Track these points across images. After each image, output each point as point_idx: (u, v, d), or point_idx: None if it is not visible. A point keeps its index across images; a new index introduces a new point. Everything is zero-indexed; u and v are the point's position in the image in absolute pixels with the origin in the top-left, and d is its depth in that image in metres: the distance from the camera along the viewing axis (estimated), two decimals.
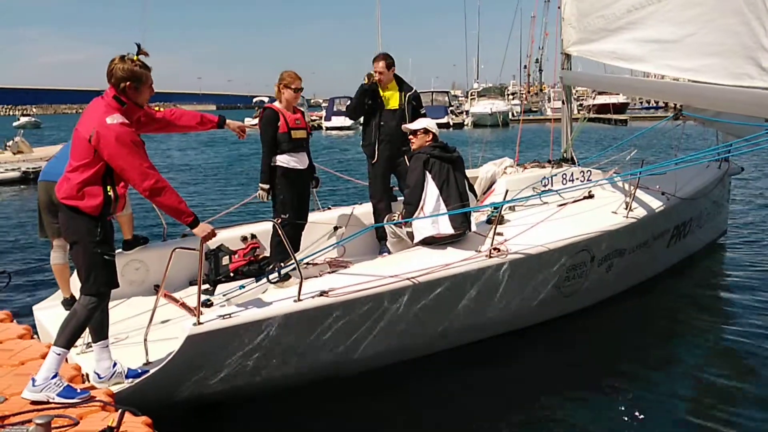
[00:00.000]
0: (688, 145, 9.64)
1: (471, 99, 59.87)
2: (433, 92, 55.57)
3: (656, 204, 6.81)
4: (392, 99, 6.60)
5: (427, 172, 5.58)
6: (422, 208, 5.57)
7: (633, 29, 6.78)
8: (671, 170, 6.85)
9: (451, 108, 53.90)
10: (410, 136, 5.98)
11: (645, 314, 6.84)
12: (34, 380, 3.74)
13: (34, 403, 3.68)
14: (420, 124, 5.95)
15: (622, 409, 4.97)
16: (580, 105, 62.67)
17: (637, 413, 4.88)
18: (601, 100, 52.17)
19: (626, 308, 6.85)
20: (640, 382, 5.39)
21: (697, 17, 5.97)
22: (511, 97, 67.31)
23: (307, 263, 5.59)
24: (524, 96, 72.88)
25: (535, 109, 63.06)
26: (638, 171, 6.41)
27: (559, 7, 7.67)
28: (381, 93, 6.63)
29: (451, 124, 50.44)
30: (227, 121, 4.85)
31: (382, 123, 6.56)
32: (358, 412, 4.92)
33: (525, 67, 76.76)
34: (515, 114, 54.55)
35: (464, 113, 57.03)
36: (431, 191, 5.56)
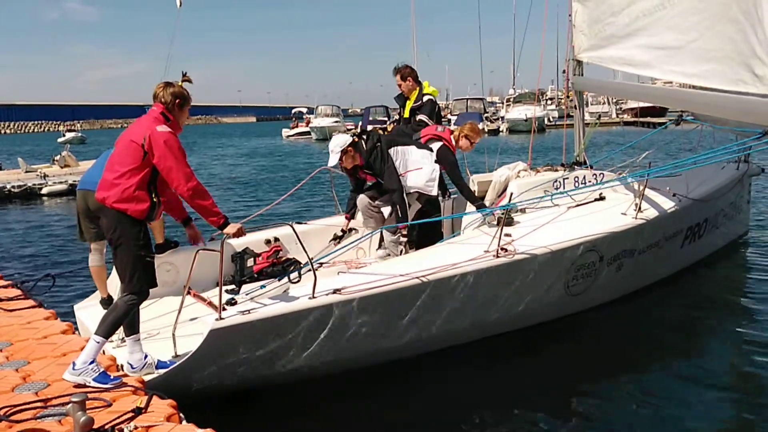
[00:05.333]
0: (702, 146, 9.72)
1: (507, 105, 59.80)
2: (468, 99, 55.67)
3: (667, 205, 6.99)
4: (407, 108, 7.01)
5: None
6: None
7: (641, 35, 6.97)
8: (681, 170, 7.00)
9: (486, 115, 53.90)
10: None
11: (658, 314, 6.96)
12: (74, 364, 4.20)
13: (76, 386, 4.10)
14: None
15: (623, 411, 5.06)
16: (619, 108, 62.08)
17: (638, 416, 4.96)
18: (642, 103, 51.39)
19: (638, 308, 6.99)
20: (647, 383, 5.49)
21: (699, 23, 6.16)
22: (549, 102, 66.96)
23: (322, 264, 5.96)
24: (563, 100, 72.42)
25: (572, 114, 62.48)
26: (646, 172, 6.63)
27: (570, 14, 7.88)
28: (407, 102, 7.13)
29: (486, 130, 50.46)
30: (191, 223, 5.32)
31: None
32: (361, 409, 5.16)
33: (563, 71, 76.19)
34: (551, 119, 54.32)
35: (500, 119, 56.98)
36: None
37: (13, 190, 20.20)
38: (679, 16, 6.42)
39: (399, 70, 7.08)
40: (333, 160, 6.23)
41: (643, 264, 6.94)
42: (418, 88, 7.09)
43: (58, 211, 17.74)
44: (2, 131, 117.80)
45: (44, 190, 20.36)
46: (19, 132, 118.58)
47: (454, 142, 6.70)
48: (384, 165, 6.24)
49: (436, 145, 6.67)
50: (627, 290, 7.05)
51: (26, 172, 22.49)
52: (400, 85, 7.11)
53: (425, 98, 7.07)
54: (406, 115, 7.18)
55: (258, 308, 4.69)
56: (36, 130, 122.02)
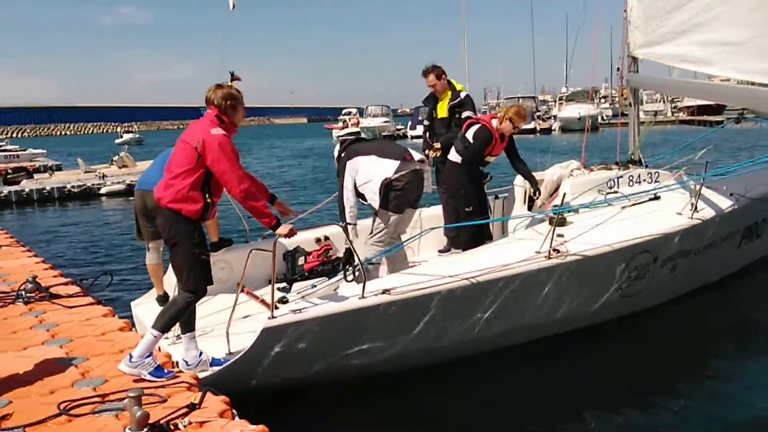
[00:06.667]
0: (761, 144, 9.41)
1: (559, 103, 58.99)
2: (519, 98, 55.06)
3: (724, 205, 6.79)
4: (441, 108, 6.96)
5: None
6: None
7: (699, 32, 6.78)
8: (741, 174, 6.80)
9: (537, 113, 53.26)
10: None
11: (710, 316, 6.80)
12: (130, 356, 4.33)
13: (133, 382, 4.21)
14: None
15: (673, 414, 4.95)
16: (675, 106, 60.52)
17: (686, 421, 4.85)
18: (699, 101, 49.92)
19: (691, 310, 6.80)
20: (697, 386, 5.38)
21: (763, 19, 5.97)
22: (602, 100, 65.70)
23: (372, 263, 5.98)
24: (617, 99, 71.01)
25: (626, 113, 61.16)
26: (702, 177, 6.47)
27: (625, 10, 7.74)
28: (439, 103, 7.07)
29: (538, 129, 49.90)
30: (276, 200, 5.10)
31: (435, 132, 6.98)
32: (410, 406, 5.18)
33: (618, 69, 74.58)
34: (605, 118, 53.31)
35: (552, 118, 56.20)
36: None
37: (72, 189, 20.89)
38: (741, 11, 6.21)
39: (431, 70, 7.00)
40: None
41: (699, 265, 6.74)
42: (449, 87, 7.07)
43: (116, 210, 18.27)
44: (62, 133, 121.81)
45: (103, 190, 21.01)
46: (78, 133, 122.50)
47: (497, 124, 6.62)
48: None
49: (474, 129, 6.62)
50: (681, 291, 6.86)
51: (85, 172, 23.27)
52: (434, 85, 7.04)
53: (463, 95, 7.04)
54: (444, 114, 7.10)
55: (309, 307, 4.73)
56: (94, 131, 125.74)
